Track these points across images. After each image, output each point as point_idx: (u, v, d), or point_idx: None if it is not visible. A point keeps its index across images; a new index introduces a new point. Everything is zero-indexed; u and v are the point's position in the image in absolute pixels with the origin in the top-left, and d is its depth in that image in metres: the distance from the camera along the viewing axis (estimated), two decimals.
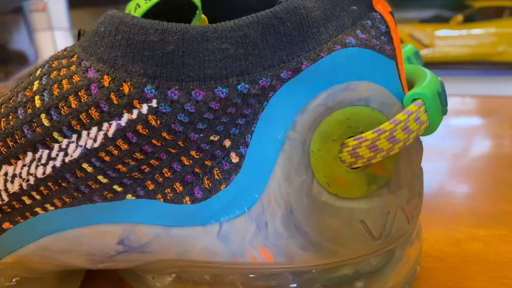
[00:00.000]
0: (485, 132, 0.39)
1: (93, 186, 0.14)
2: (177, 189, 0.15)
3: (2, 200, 0.15)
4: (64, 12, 0.56)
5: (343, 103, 0.14)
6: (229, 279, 0.15)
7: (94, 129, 0.13)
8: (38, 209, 0.15)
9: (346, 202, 0.14)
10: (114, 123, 0.13)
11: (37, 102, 0.14)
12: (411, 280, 0.17)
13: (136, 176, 0.14)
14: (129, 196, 0.15)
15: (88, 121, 0.13)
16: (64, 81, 0.14)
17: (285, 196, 0.14)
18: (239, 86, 0.13)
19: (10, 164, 0.14)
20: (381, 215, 0.15)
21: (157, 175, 0.14)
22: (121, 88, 0.13)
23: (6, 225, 0.16)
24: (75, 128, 0.14)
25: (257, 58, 0.13)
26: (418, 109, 0.14)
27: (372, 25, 0.15)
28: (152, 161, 0.14)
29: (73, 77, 0.14)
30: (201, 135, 0.14)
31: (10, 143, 0.14)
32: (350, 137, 0.14)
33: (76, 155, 0.14)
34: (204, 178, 0.14)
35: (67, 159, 0.14)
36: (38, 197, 0.15)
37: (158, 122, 0.13)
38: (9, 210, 0.15)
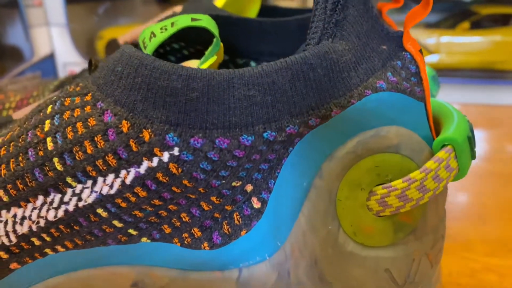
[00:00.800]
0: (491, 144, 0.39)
1: (107, 230, 0.14)
2: (195, 234, 0.14)
3: (10, 241, 0.14)
4: (61, 7, 0.55)
5: (372, 150, 0.13)
6: None
7: (111, 176, 0.13)
8: (47, 250, 0.14)
9: (372, 251, 0.14)
10: (132, 171, 0.13)
11: (49, 145, 0.13)
12: None
13: (152, 220, 0.14)
14: (144, 239, 0.14)
15: (105, 168, 0.13)
16: (79, 124, 0.13)
17: (310, 246, 0.14)
18: (265, 134, 0.13)
19: (20, 206, 0.14)
20: (406, 263, 0.14)
21: (174, 219, 0.14)
22: (141, 135, 0.12)
23: (13, 265, 0.15)
24: (90, 174, 0.13)
25: (285, 105, 0.12)
26: (448, 156, 0.13)
27: (402, 66, 0.14)
28: (170, 206, 0.13)
29: (89, 120, 0.13)
30: (223, 181, 0.13)
31: (20, 186, 0.13)
32: (378, 184, 0.14)
33: (90, 200, 0.13)
34: (224, 223, 0.14)
35: (80, 204, 0.13)
36: (48, 239, 0.14)
37: (180, 170, 0.12)
38: (17, 251, 0.15)
